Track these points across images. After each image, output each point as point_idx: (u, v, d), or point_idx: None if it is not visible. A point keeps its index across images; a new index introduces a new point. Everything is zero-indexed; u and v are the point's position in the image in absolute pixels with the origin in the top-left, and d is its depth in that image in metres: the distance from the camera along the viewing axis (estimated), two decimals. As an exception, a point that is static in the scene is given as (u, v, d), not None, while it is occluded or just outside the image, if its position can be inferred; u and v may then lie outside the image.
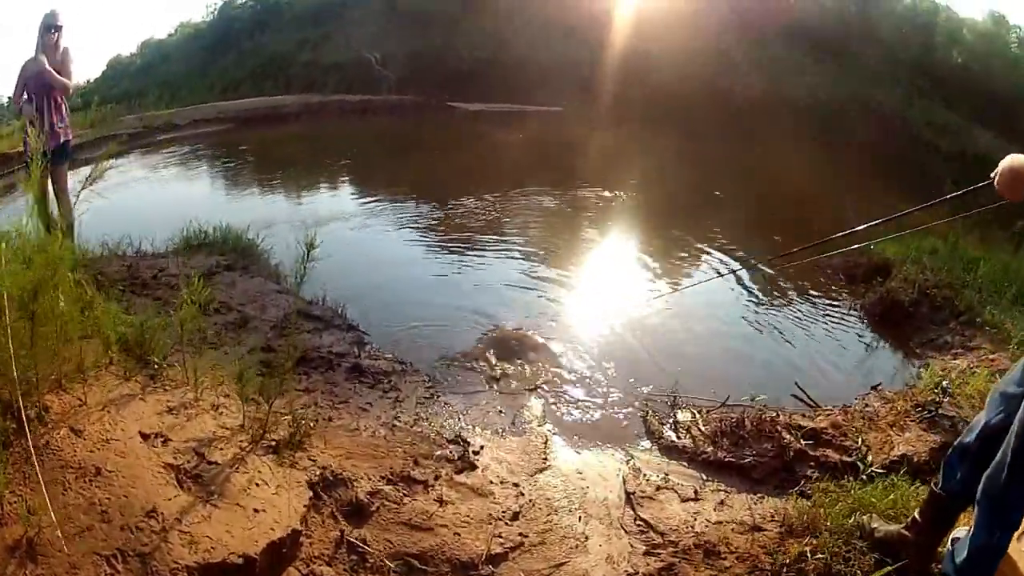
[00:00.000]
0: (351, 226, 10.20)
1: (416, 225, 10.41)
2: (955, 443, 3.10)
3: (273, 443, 3.61)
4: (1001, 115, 21.99)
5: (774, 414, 4.95)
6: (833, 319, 7.82)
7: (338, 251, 8.63)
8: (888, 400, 5.37)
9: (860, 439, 4.62)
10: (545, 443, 4.63)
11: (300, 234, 9.07)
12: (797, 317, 7.78)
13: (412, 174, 14.47)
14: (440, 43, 26.10)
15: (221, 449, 3.29)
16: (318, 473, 3.55)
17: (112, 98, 22.90)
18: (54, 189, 6.78)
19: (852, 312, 7.99)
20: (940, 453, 4.47)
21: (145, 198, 11.61)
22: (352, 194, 12.83)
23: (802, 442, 4.60)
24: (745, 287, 8.62)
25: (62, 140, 6.91)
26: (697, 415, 5.07)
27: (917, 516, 3.22)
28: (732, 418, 4.85)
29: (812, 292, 8.59)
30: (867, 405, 5.34)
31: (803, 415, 5.11)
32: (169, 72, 28.18)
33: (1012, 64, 25.14)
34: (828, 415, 5.03)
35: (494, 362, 5.95)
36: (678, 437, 4.82)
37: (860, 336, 7.46)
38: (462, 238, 9.77)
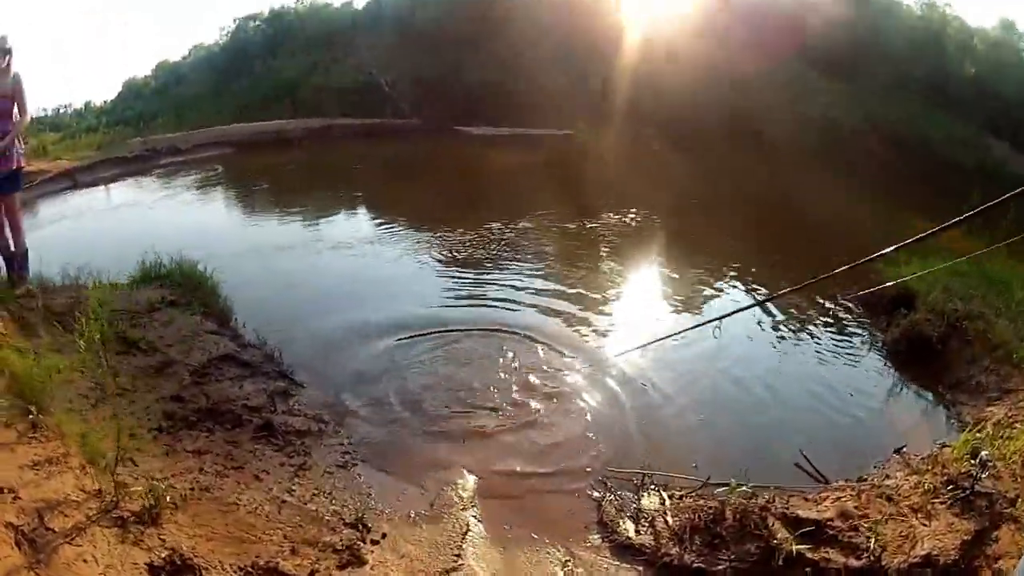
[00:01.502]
0: (333, 254, 9.21)
1: (412, 252, 9.36)
2: None
3: (126, 515, 3.05)
4: (1016, 123, 20.99)
5: (765, 500, 3.78)
6: (852, 359, 6.65)
7: (310, 282, 7.93)
8: (914, 471, 4.21)
9: (874, 536, 3.45)
10: (464, 534, 3.61)
11: (267, 264, 8.71)
12: (811, 358, 6.61)
13: (415, 199, 13.40)
14: (449, 67, 25.47)
15: (65, 515, 2.87)
16: (164, 555, 2.93)
17: (125, 120, 22.49)
18: (7, 218, 6.05)
19: (874, 349, 6.82)
20: (974, 549, 3.36)
21: (128, 225, 10.73)
22: (349, 219, 11.83)
23: (797, 543, 3.43)
24: (755, 323, 7.38)
25: (14, 167, 6.12)
26: (667, 501, 3.92)
27: None
28: (709, 508, 3.70)
29: (829, 328, 7.40)
30: (887, 477, 4.22)
31: (805, 498, 3.96)
32: (182, 95, 27.59)
33: (1024, 71, 23.89)
34: (837, 499, 3.86)
35: (436, 419, 4.98)
36: (638, 531, 3.68)
37: (882, 379, 6.27)
38: (459, 267, 8.69)
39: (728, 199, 14.25)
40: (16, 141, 6.01)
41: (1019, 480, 3.93)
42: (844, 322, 7.54)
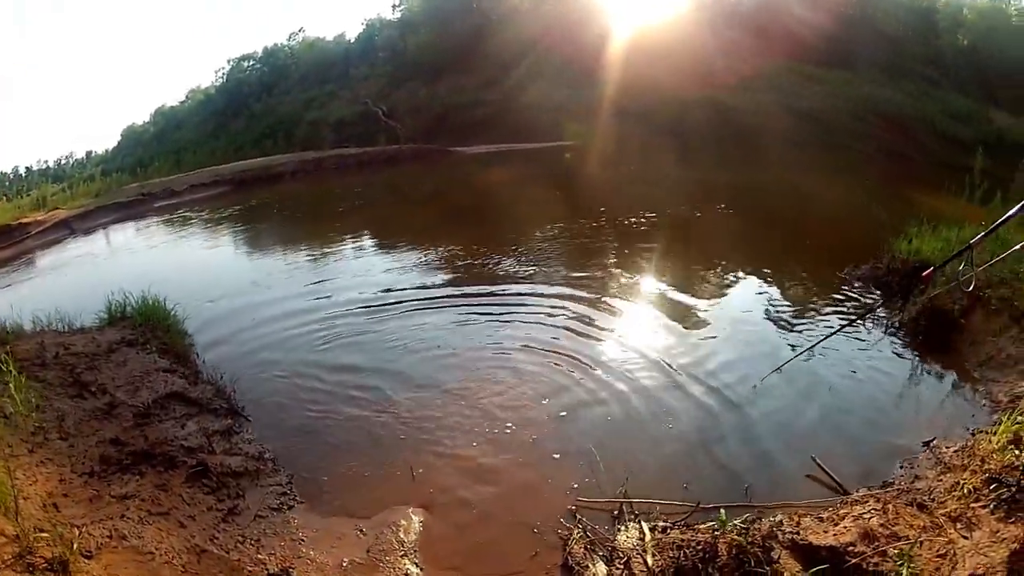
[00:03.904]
0: (309, 286, 8.43)
1: (398, 279, 8.44)
2: None
3: (38, 561, 2.81)
4: (1014, 93, 20.50)
5: (770, 526, 2.99)
6: (866, 345, 5.78)
7: (281, 313, 7.25)
8: (947, 467, 3.42)
9: (906, 563, 2.62)
10: (398, 584, 2.88)
11: (244, 302, 7.98)
12: (817, 350, 5.53)
13: (399, 222, 12.84)
14: (444, 90, 25.34)
15: (-22, 559, 2.66)
16: (65, 605, 2.61)
17: (124, 167, 22.30)
18: None
19: (890, 332, 5.98)
20: None
21: (115, 270, 10.31)
22: (340, 250, 10.85)
23: (809, 582, 2.63)
24: (746, 314, 6.63)
25: None
26: (647, 535, 3.07)
27: None
28: (699, 543, 2.88)
29: (836, 313, 6.54)
30: (917, 478, 3.43)
31: (820, 518, 3.12)
32: (183, 138, 27.59)
33: (1018, 37, 23.25)
34: (858, 516, 3.03)
35: (388, 447, 4.31)
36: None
37: (903, 364, 5.42)
38: (449, 292, 7.73)
39: (738, 198, 13.41)
40: None
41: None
42: (853, 306, 6.70)
